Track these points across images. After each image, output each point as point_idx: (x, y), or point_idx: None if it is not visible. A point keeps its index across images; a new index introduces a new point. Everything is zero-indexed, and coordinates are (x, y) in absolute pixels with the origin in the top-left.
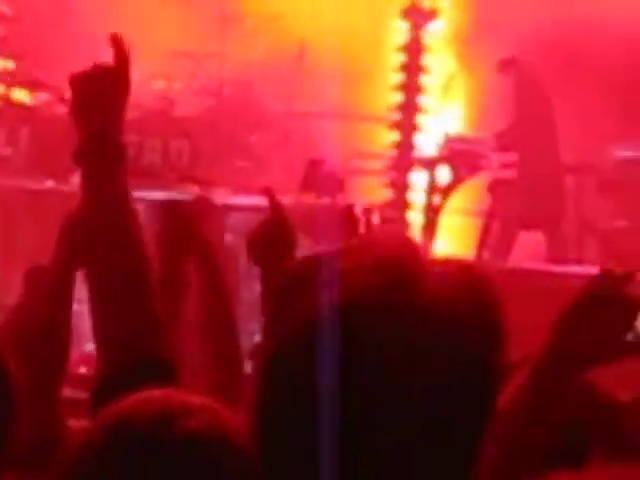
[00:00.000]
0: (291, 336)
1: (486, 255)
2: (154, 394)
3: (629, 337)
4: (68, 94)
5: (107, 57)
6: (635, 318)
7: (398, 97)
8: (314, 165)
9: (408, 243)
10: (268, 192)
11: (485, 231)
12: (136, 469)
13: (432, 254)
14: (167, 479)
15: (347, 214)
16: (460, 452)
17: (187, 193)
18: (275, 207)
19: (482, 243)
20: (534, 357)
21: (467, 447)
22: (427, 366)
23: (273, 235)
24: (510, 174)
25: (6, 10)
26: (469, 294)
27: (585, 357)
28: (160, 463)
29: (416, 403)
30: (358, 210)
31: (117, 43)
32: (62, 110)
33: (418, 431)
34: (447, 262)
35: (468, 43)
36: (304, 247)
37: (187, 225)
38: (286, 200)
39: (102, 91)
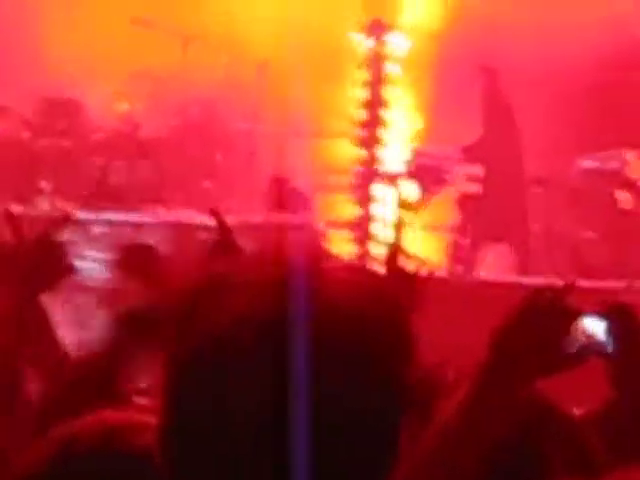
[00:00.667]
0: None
1: (457, 269)
2: (107, 413)
3: (573, 349)
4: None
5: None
6: (570, 328)
7: (362, 112)
8: (279, 183)
9: (313, 250)
10: (215, 213)
11: (454, 245)
12: None
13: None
14: None
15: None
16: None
17: (152, 216)
18: (223, 229)
19: (452, 257)
20: (475, 370)
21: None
22: (327, 377)
23: (219, 256)
24: (476, 188)
25: None
26: (372, 304)
27: (525, 369)
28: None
29: (319, 415)
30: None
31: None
32: (25, 135)
33: (321, 443)
34: (351, 269)
35: (430, 58)
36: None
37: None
38: (254, 219)
39: None
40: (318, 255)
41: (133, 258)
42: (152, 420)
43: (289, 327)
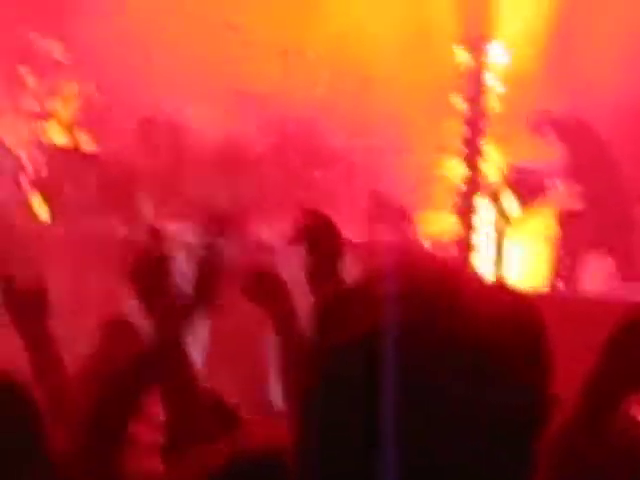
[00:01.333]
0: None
1: (558, 283)
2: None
3: None
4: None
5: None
6: None
7: (463, 126)
8: (378, 198)
9: (454, 268)
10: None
11: (556, 259)
12: None
13: (482, 278)
14: None
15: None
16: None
17: (254, 231)
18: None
19: (553, 270)
20: (587, 377)
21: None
22: (473, 390)
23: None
24: (577, 202)
25: (62, 54)
26: (515, 321)
27: (634, 378)
28: None
29: (466, 426)
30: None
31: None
32: (127, 155)
33: (466, 452)
34: (492, 286)
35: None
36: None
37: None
38: (354, 234)
39: None
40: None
41: (259, 285)
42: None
43: (420, 339)
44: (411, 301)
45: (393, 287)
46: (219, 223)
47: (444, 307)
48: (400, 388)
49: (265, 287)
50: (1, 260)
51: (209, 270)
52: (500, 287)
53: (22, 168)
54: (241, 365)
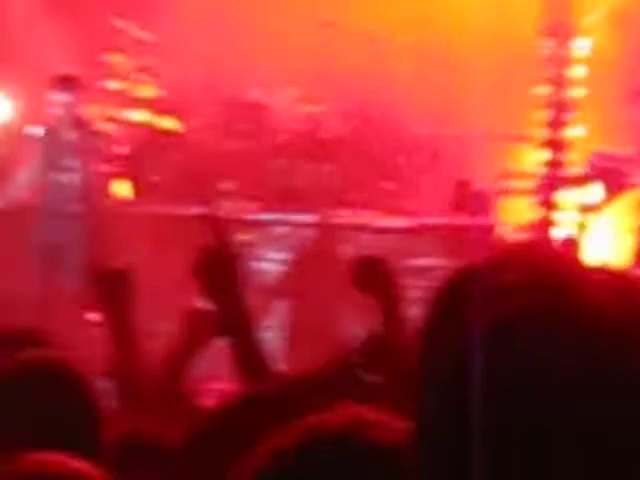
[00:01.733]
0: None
1: None
2: (348, 407)
3: None
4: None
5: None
6: None
7: (545, 115)
8: (463, 186)
9: (562, 254)
10: (213, 228)
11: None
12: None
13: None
14: None
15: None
16: None
17: (335, 215)
18: (221, 239)
19: (637, 259)
20: None
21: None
22: (603, 387)
23: (215, 264)
24: None
25: (147, 37)
26: (634, 303)
27: None
28: (347, 471)
29: (594, 430)
30: (508, 230)
31: (217, 233)
32: (210, 136)
33: (596, 461)
34: (602, 271)
35: (611, 64)
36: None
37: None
38: (436, 221)
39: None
40: (567, 257)
41: (366, 272)
42: (388, 418)
43: (558, 332)
44: (513, 296)
45: (515, 277)
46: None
47: (571, 296)
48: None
49: (376, 274)
50: (86, 243)
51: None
52: (618, 275)
53: (107, 147)
54: (323, 344)
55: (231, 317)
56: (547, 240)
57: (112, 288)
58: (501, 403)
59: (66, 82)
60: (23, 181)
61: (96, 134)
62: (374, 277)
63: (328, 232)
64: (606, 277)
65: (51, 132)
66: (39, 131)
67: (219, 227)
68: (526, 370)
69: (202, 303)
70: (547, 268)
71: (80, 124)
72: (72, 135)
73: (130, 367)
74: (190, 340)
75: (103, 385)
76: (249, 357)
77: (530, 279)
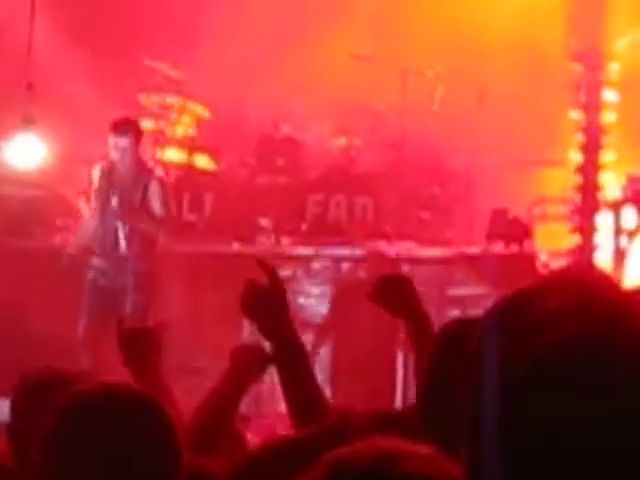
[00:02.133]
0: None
1: None
2: (376, 440)
3: None
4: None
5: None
6: None
7: (580, 139)
8: (499, 214)
9: (606, 278)
10: (262, 263)
11: None
12: None
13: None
14: None
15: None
16: None
17: (373, 248)
18: (271, 274)
19: None
20: None
21: None
22: None
23: (266, 299)
24: None
25: (179, 75)
26: None
27: None
28: None
29: None
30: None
31: (266, 268)
32: (244, 173)
33: None
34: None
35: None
36: (491, 296)
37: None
38: (472, 250)
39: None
40: (612, 281)
41: (391, 287)
42: (420, 449)
43: (613, 355)
44: (590, 315)
45: (569, 300)
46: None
47: (625, 320)
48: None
49: (397, 288)
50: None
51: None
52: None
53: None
54: (368, 377)
55: (285, 351)
56: (585, 265)
57: (137, 349)
58: (563, 430)
59: (124, 125)
60: (82, 225)
61: (157, 180)
62: (395, 293)
63: (367, 264)
64: None
65: (105, 175)
66: (95, 174)
67: (267, 261)
68: (590, 397)
69: (248, 338)
70: (593, 293)
71: (141, 170)
72: (132, 180)
73: None
74: (239, 376)
75: None
76: (303, 391)
77: (578, 304)
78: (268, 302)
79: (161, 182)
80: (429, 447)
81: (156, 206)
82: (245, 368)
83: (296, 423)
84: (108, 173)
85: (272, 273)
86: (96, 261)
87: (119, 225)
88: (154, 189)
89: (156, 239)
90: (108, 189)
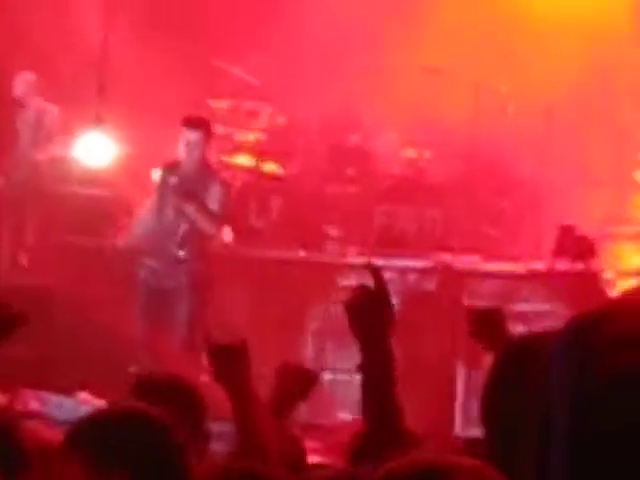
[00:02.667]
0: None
1: None
2: (427, 454)
3: None
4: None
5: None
6: None
7: None
8: (566, 231)
9: None
10: (371, 268)
11: None
12: None
13: None
14: None
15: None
16: None
17: (439, 260)
18: (379, 281)
19: None
20: None
21: None
22: None
23: (373, 307)
24: None
25: (252, 81)
26: None
27: None
28: None
29: None
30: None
31: (374, 272)
32: (313, 181)
33: None
34: None
35: None
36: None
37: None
38: (538, 266)
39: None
40: None
41: (483, 323)
42: (468, 461)
43: None
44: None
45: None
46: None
47: None
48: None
49: (493, 325)
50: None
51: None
52: None
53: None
54: (428, 389)
55: (376, 357)
56: None
57: (229, 364)
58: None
59: (196, 120)
60: (139, 223)
61: (219, 182)
62: (491, 327)
63: (433, 277)
64: None
65: (167, 174)
66: (156, 174)
67: (377, 269)
68: None
69: (310, 344)
70: None
71: (206, 170)
72: (195, 179)
73: (254, 441)
74: (283, 395)
75: (216, 428)
76: (386, 399)
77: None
78: (375, 307)
79: (223, 185)
80: (477, 460)
81: (214, 207)
82: (290, 387)
83: (370, 428)
84: (170, 172)
85: (380, 278)
86: (148, 260)
87: (177, 225)
88: (215, 190)
89: (210, 240)
90: (169, 188)
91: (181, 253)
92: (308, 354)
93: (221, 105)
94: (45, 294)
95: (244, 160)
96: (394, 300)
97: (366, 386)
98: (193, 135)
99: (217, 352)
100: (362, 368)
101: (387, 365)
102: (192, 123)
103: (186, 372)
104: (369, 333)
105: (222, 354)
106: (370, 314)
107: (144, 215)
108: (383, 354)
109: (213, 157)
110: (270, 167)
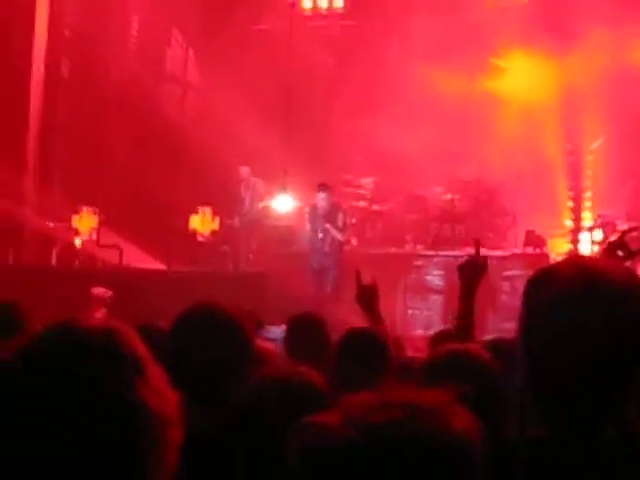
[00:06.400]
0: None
1: None
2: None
3: None
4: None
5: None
6: None
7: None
8: (530, 233)
9: (587, 257)
10: (476, 244)
11: None
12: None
13: None
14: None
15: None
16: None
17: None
18: (478, 252)
19: None
20: None
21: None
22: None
23: (475, 266)
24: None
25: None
26: None
27: None
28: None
29: None
30: None
31: (477, 247)
32: (399, 211)
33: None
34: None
35: None
36: (526, 275)
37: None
38: (516, 251)
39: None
40: None
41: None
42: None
43: None
44: (576, 271)
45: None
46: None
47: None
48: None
49: (477, 270)
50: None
51: None
52: None
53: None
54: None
55: (472, 293)
56: (576, 255)
57: (369, 297)
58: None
59: (323, 186)
60: (306, 235)
61: (342, 212)
62: (369, 297)
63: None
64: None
65: (314, 213)
66: (308, 210)
67: (479, 244)
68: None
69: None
70: (581, 262)
71: (334, 206)
72: (328, 211)
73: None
74: (467, 284)
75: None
76: (469, 314)
77: (571, 267)
78: (476, 270)
79: (344, 213)
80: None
81: (340, 225)
82: (470, 275)
83: (457, 330)
84: (315, 209)
85: (479, 250)
86: (311, 255)
87: (324, 236)
88: (340, 217)
89: (342, 243)
90: (316, 218)
91: (327, 249)
92: (399, 299)
93: (347, 177)
94: (262, 276)
95: (363, 203)
96: (443, 271)
97: (463, 308)
98: (322, 194)
99: (363, 289)
100: (462, 299)
101: (474, 298)
102: (320, 187)
103: (329, 311)
104: (471, 280)
105: (365, 290)
106: (473, 270)
107: (307, 232)
108: (474, 293)
109: (338, 198)
110: (376, 206)
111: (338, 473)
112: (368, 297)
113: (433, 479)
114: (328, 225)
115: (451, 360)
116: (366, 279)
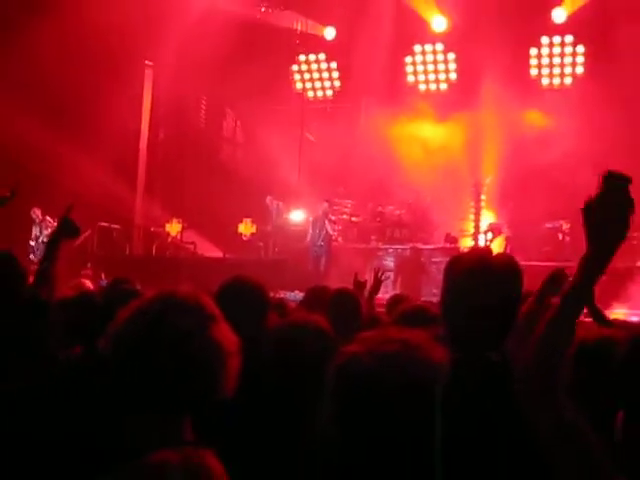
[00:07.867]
0: None
1: None
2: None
3: None
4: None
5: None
6: None
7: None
8: (449, 235)
9: (482, 249)
10: (356, 276)
11: None
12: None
13: None
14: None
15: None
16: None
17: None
18: (356, 279)
19: None
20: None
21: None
22: None
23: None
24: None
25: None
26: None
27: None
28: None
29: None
30: None
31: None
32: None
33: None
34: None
35: None
36: None
37: None
38: (439, 245)
39: None
40: None
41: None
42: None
43: None
44: (475, 257)
45: None
46: None
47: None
48: None
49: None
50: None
51: None
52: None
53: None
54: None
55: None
56: (477, 248)
57: (359, 286)
58: None
59: (328, 201)
60: (309, 235)
61: (332, 221)
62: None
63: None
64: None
65: (315, 221)
66: (311, 219)
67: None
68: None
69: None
70: (477, 252)
71: (324, 216)
72: (320, 218)
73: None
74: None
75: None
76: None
77: (472, 256)
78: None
79: (330, 220)
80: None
81: (329, 229)
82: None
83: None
84: (314, 221)
85: (356, 277)
86: (312, 248)
87: (319, 233)
88: (327, 221)
89: (331, 240)
90: (315, 224)
91: (320, 243)
92: (368, 277)
93: (335, 200)
94: (283, 261)
95: (345, 216)
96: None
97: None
98: (325, 204)
99: (358, 283)
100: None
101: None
102: (326, 200)
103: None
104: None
105: (359, 283)
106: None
107: (310, 231)
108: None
109: (327, 212)
110: (353, 218)
111: (365, 387)
112: (359, 286)
113: (417, 392)
114: (327, 221)
115: (414, 312)
116: (361, 277)
